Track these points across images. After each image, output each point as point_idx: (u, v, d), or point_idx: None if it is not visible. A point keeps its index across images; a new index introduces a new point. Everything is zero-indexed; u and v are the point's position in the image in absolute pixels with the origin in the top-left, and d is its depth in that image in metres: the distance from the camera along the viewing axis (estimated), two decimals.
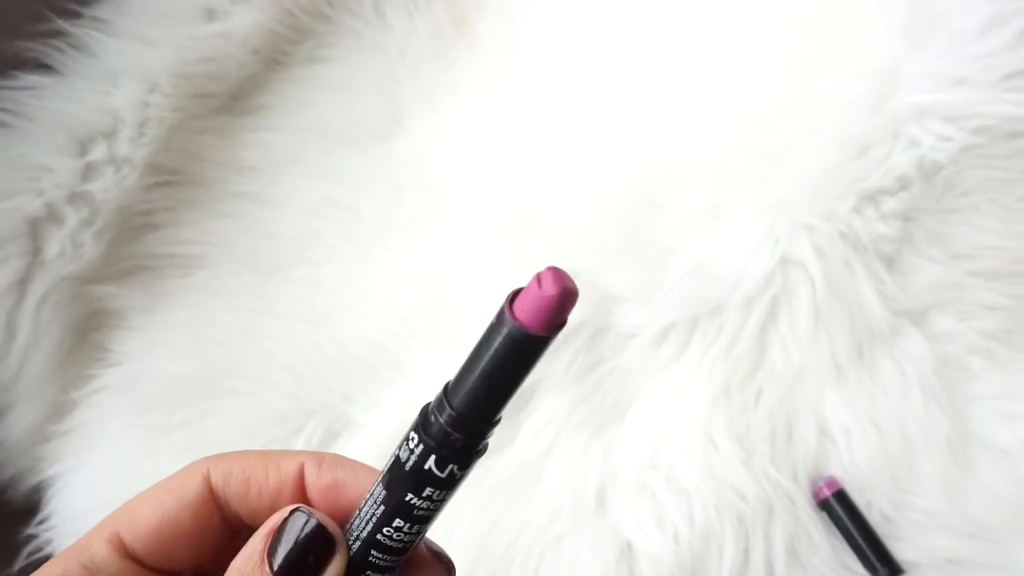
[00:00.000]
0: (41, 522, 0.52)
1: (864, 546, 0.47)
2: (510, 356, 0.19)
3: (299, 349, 0.53)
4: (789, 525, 0.47)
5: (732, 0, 0.54)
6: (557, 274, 0.18)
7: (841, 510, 0.47)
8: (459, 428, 0.20)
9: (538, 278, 0.18)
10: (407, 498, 0.21)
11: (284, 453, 0.24)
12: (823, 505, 0.48)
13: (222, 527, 0.24)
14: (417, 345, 0.53)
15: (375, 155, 0.58)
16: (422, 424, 0.20)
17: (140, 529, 0.23)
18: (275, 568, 0.21)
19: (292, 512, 0.22)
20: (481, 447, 0.20)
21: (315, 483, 0.24)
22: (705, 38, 0.54)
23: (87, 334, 0.54)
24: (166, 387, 0.52)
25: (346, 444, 0.51)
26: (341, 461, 0.24)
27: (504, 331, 0.18)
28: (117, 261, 0.54)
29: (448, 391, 0.20)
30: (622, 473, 0.48)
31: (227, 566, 0.26)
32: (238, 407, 0.52)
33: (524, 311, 0.18)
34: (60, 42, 0.52)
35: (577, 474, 0.48)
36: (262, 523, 0.24)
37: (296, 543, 0.21)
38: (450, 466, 0.20)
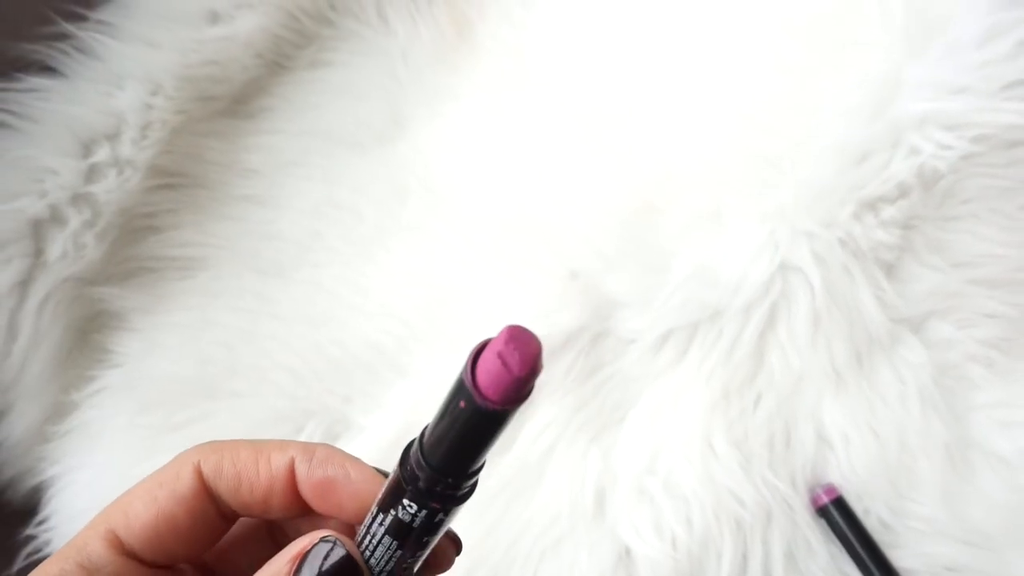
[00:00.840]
0: (41, 523, 0.52)
1: (862, 553, 0.47)
2: (477, 427, 0.18)
3: (300, 350, 0.53)
4: (787, 531, 0.47)
5: (734, 6, 0.54)
6: (523, 349, 0.17)
7: (839, 517, 0.47)
8: (439, 482, 0.20)
9: (501, 356, 0.17)
10: (397, 540, 0.21)
11: (275, 444, 0.24)
12: (821, 512, 0.48)
13: (217, 518, 0.24)
14: (418, 347, 0.53)
15: (377, 158, 0.58)
16: (404, 476, 0.20)
17: (135, 526, 0.23)
18: None
19: (320, 540, 0.22)
20: (464, 493, 0.21)
21: (306, 479, 0.24)
22: (707, 43, 0.54)
23: (88, 335, 0.54)
24: (167, 388, 0.52)
25: (346, 446, 0.51)
26: (332, 456, 0.24)
27: (469, 407, 0.18)
28: (119, 263, 0.54)
29: (424, 448, 0.20)
30: (621, 477, 0.48)
31: (230, 555, 0.26)
32: (238, 408, 0.52)
33: (489, 387, 0.17)
34: (64, 44, 0.53)
35: (576, 478, 0.48)
36: (256, 515, 0.24)
37: (321, 572, 0.21)
38: (439, 515, 0.20)
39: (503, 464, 0.49)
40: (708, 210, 0.51)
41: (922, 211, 0.49)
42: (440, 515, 0.21)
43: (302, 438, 0.51)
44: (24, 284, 0.50)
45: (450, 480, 0.20)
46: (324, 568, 0.21)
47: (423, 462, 0.20)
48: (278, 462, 0.24)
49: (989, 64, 0.46)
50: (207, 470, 0.24)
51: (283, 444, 0.24)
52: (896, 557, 0.47)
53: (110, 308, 0.54)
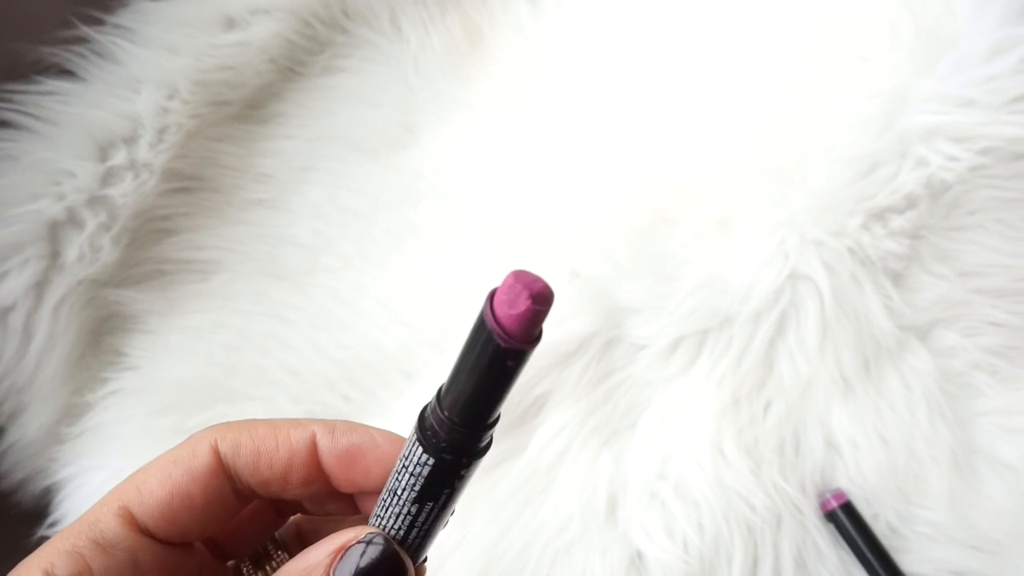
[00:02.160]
0: (52, 524, 0.52)
1: (871, 558, 0.47)
2: (497, 367, 0.19)
3: (312, 354, 0.53)
4: (797, 536, 0.48)
5: (745, 20, 0.55)
6: (531, 286, 0.18)
7: (848, 522, 0.48)
8: (443, 426, 0.20)
9: (510, 294, 0.18)
10: (403, 485, 0.21)
11: (293, 422, 0.24)
12: (830, 516, 0.49)
13: (233, 497, 0.24)
14: (429, 352, 0.53)
15: (389, 164, 0.58)
16: (420, 415, 0.21)
17: (149, 502, 0.22)
18: None
19: (364, 537, 0.21)
20: (483, 447, 0.21)
21: (330, 450, 0.23)
22: (718, 56, 0.55)
23: (102, 337, 0.54)
24: (180, 391, 0.52)
25: None
26: (354, 427, 0.24)
27: (488, 349, 0.18)
28: (134, 265, 0.55)
29: (442, 403, 0.20)
30: (632, 482, 0.49)
31: (240, 533, 0.26)
32: (251, 411, 0.52)
33: (507, 324, 0.18)
34: (83, 48, 0.53)
35: (588, 483, 0.49)
36: (274, 493, 0.24)
37: (359, 569, 0.21)
38: (435, 460, 0.20)
39: (515, 469, 0.49)
40: (719, 220, 0.52)
41: (929, 221, 0.50)
42: (462, 470, 0.21)
43: None
44: (40, 286, 0.51)
45: (470, 431, 0.20)
46: (362, 565, 0.21)
47: (443, 416, 0.20)
48: (298, 436, 0.23)
49: (996, 78, 0.47)
50: (224, 448, 0.23)
51: (300, 421, 0.24)
52: (904, 562, 0.48)
53: (124, 310, 0.54)
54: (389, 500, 0.22)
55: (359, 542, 0.21)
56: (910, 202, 0.49)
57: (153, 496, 0.22)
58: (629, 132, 0.56)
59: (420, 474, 0.21)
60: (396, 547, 0.21)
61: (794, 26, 0.53)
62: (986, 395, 0.51)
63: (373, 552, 0.21)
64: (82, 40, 0.53)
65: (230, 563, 0.26)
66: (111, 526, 0.22)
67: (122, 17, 0.54)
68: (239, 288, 0.55)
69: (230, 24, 0.56)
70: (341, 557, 0.21)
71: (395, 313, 0.54)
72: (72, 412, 0.53)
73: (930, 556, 0.48)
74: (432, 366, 0.53)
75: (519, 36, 0.61)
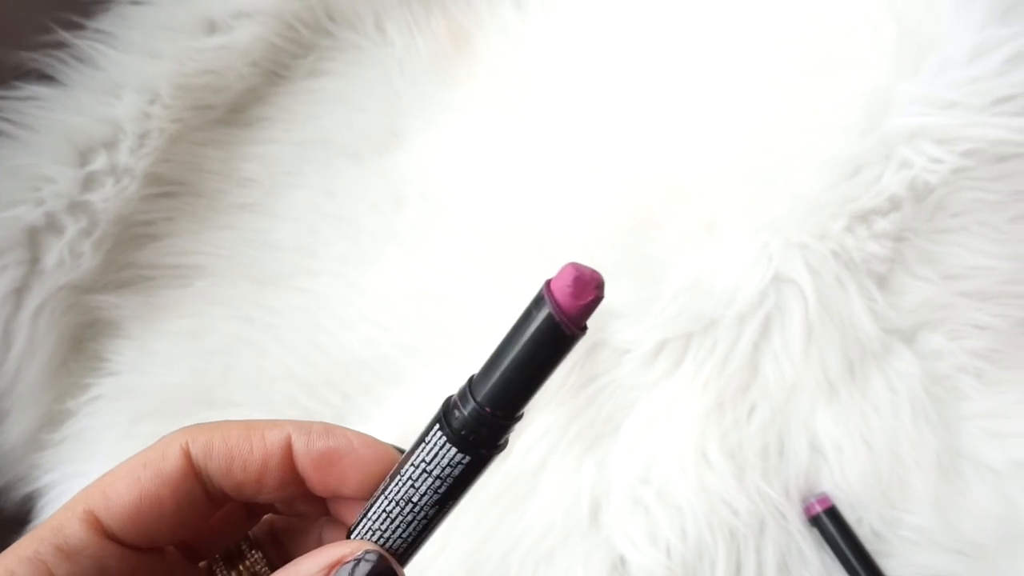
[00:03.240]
0: None
1: (855, 563, 0.47)
2: (549, 347, 0.19)
3: (295, 359, 0.53)
4: (781, 541, 0.48)
5: (730, 25, 0.55)
6: (590, 275, 0.19)
7: (832, 526, 0.48)
8: (483, 421, 0.20)
9: (575, 283, 0.19)
10: (422, 491, 0.21)
11: (269, 423, 0.23)
12: (814, 521, 0.48)
13: (204, 501, 0.23)
14: (413, 357, 0.53)
15: (374, 168, 0.58)
16: (444, 416, 0.21)
17: (116, 507, 0.22)
18: None
19: (360, 554, 0.21)
20: (503, 441, 0.21)
21: (305, 452, 0.23)
22: (702, 60, 0.55)
23: (84, 343, 0.54)
24: (162, 396, 0.52)
25: None
26: (331, 429, 0.23)
27: (542, 328, 0.19)
28: (115, 271, 0.54)
29: (473, 385, 0.20)
30: (615, 487, 0.49)
31: (211, 534, 0.25)
32: (234, 417, 0.51)
33: (566, 307, 0.19)
34: (63, 53, 0.53)
35: (570, 488, 0.49)
36: (248, 497, 0.23)
37: None
38: (470, 458, 0.21)
39: (498, 474, 0.49)
40: (703, 223, 0.51)
41: (913, 224, 0.49)
42: (489, 463, 0.21)
43: None
44: (20, 292, 0.51)
45: (509, 423, 0.20)
46: None
47: (484, 412, 0.20)
48: (273, 438, 0.23)
49: (979, 80, 0.47)
50: (196, 450, 0.22)
51: (276, 423, 0.23)
52: (888, 566, 0.48)
53: (106, 316, 0.54)
54: (399, 509, 0.21)
55: (355, 559, 0.21)
56: (894, 204, 0.49)
57: (120, 500, 0.22)
58: (615, 135, 0.56)
59: (450, 475, 0.21)
60: (393, 562, 0.21)
61: (778, 30, 0.53)
62: (971, 398, 0.50)
63: (365, 568, 0.21)
64: (62, 45, 0.53)
65: (202, 564, 0.26)
66: (75, 531, 0.21)
67: (102, 22, 0.54)
68: (222, 293, 0.55)
69: (212, 28, 0.56)
70: (336, 572, 0.21)
71: (379, 317, 0.54)
72: (54, 418, 0.53)
73: (914, 561, 0.48)
74: (415, 372, 0.53)
75: (505, 38, 0.61)
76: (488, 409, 0.20)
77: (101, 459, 0.51)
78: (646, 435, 0.50)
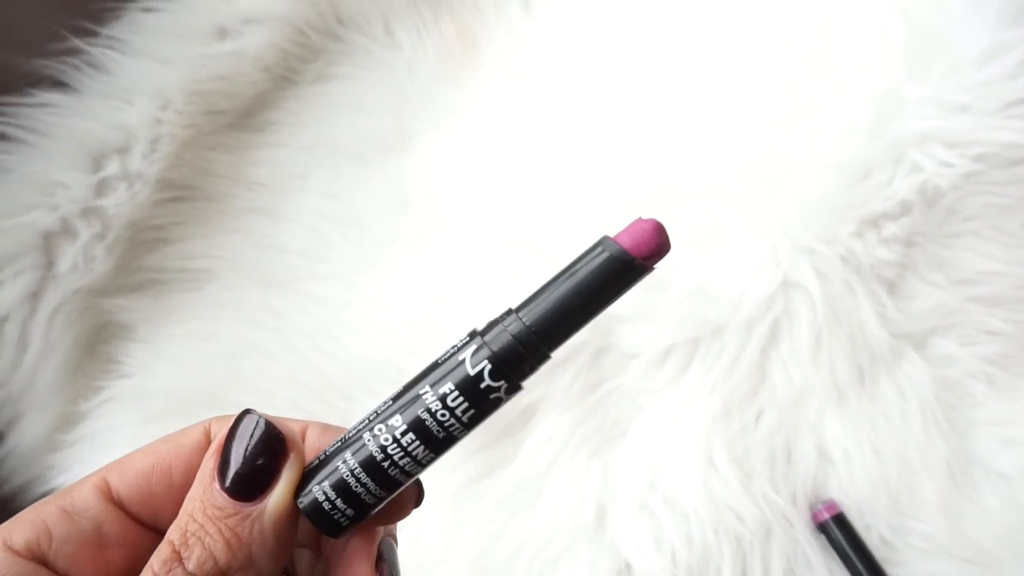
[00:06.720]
0: None
1: (862, 570, 0.47)
2: (615, 276, 0.20)
3: (303, 363, 0.54)
4: (787, 547, 0.47)
5: (737, 27, 0.55)
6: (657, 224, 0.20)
7: (840, 533, 0.47)
8: (524, 341, 0.20)
9: (646, 226, 0.20)
10: (426, 405, 0.20)
11: (296, 420, 0.24)
12: (822, 528, 0.48)
13: None
14: (418, 360, 0.53)
15: (382, 171, 0.58)
16: (481, 331, 0.20)
17: (129, 473, 0.23)
18: (227, 485, 0.20)
19: (239, 416, 0.21)
20: (532, 368, 0.20)
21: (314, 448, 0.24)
22: (709, 63, 0.55)
23: (97, 346, 0.55)
24: (173, 399, 0.53)
25: None
26: (330, 429, 0.24)
27: (605, 253, 0.20)
28: (128, 275, 0.55)
29: (519, 308, 0.20)
30: (621, 493, 0.49)
31: None
32: None
33: (638, 243, 0.20)
34: (76, 60, 0.54)
35: (576, 493, 0.49)
36: None
37: (246, 452, 0.21)
38: (500, 380, 0.20)
39: (504, 479, 0.49)
40: (710, 227, 0.51)
41: (924, 228, 0.49)
42: (507, 392, 0.20)
43: None
44: (35, 296, 0.51)
45: (543, 344, 0.20)
46: (250, 445, 0.21)
47: (515, 314, 0.20)
48: (291, 425, 0.23)
49: (990, 83, 0.46)
50: (216, 428, 0.24)
51: (300, 420, 0.24)
52: (896, 574, 0.47)
53: (118, 319, 0.55)
54: (378, 417, 0.21)
55: (238, 422, 0.21)
56: (904, 209, 0.48)
57: (134, 468, 0.23)
58: (621, 139, 0.56)
59: (476, 409, 0.20)
60: (272, 419, 0.21)
61: (786, 31, 0.53)
62: (982, 404, 0.50)
63: (256, 432, 0.21)
64: (75, 52, 0.54)
65: None
66: (83, 495, 0.22)
67: (115, 29, 0.54)
68: (232, 297, 0.56)
69: (223, 34, 0.56)
70: (222, 452, 0.21)
71: (386, 321, 0.55)
72: (68, 420, 0.54)
73: (923, 569, 0.47)
74: None
75: (513, 42, 0.60)
76: (535, 331, 0.20)
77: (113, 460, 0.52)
78: (652, 440, 0.49)
